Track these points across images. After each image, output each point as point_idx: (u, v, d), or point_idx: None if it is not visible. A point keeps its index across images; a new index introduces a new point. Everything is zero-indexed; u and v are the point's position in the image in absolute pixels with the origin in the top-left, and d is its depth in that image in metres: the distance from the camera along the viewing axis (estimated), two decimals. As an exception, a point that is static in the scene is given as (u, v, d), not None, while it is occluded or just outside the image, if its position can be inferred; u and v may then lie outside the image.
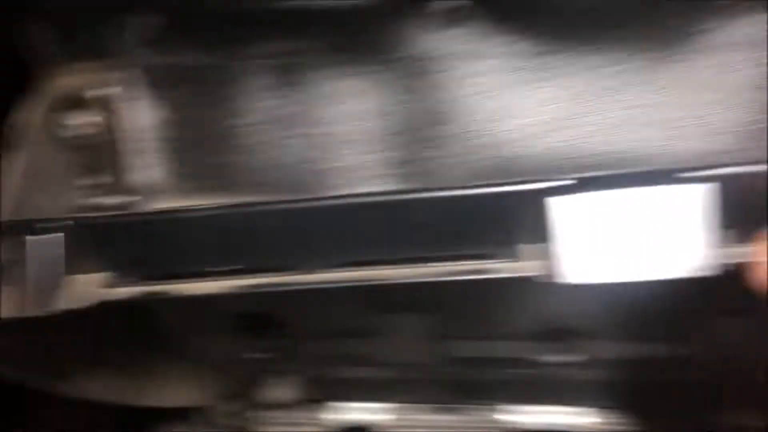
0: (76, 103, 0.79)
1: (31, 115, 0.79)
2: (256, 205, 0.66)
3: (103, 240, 0.66)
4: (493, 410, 1.29)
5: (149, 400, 1.12)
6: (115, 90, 0.79)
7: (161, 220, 0.66)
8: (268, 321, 1.15)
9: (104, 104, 0.79)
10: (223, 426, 1.40)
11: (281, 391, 1.31)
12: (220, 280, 0.67)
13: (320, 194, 0.79)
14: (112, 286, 0.68)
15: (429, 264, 0.66)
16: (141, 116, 0.79)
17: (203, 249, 0.66)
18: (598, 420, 1.27)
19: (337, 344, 1.18)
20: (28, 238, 0.64)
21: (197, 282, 0.67)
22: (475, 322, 1.11)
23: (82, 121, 0.78)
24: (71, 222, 0.66)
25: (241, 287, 0.66)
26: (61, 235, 0.66)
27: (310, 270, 0.67)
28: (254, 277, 0.67)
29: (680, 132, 0.65)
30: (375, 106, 0.79)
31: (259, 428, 1.34)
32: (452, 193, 0.64)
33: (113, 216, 0.66)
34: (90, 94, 0.79)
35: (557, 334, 1.15)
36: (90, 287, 0.66)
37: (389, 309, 1.12)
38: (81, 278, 0.66)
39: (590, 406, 1.28)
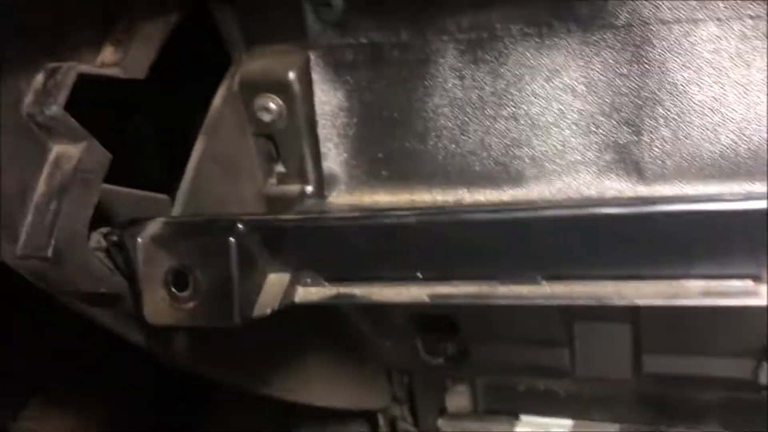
0: (259, 88, 0.78)
1: (219, 101, 0.79)
2: (457, 212, 0.59)
3: (290, 240, 0.62)
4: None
5: (328, 401, 1.11)
6: (296, 75, 0.77)
7: (352, 224, 0.60)
8: (451, 325, 1.08)
9: (286, 89, 0.77)
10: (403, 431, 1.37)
11: (462, 399, 1.24)
12: (410, 286, 0.60)
13: (515, 186, 0.73)
14: (302, 286, 0.63)
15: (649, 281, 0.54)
16: (324, 101, 0.77)
17: (394, 254, 0.60)
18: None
19: (521, 352, 1.09)
20: (231, 240, 0.59)
21: (387, 287, 0.61)
22: (682, 334, 0.98)
23: (265, 107, 0.77)
24: (265, 221, 0.62)
25: (432, 296, 0.59)
26: (258, 235, 0.61)
27: (508, 281, 0.57)
28: (446, 285, 0.59)
29: None
30: (575, 84, 0.70)
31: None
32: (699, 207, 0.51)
33: (306, 219, 0.62)
34: (272, 79, 0.78)
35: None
36: (280, 289, 0.62)
37: (584, 317, 1.01)
38: (272, 278, 0.62)
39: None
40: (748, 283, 0.52)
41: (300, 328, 1.05)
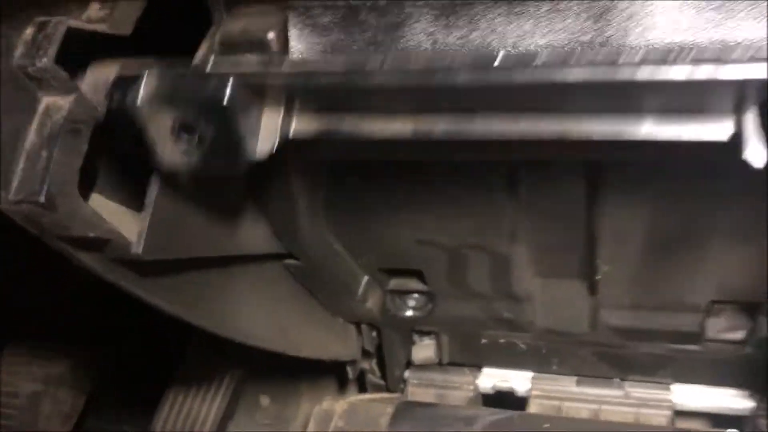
0: (238, 48, 0.80)
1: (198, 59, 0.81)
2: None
3: (283, 91, 0.68)
4: (647, 386, 1.22)
5: (299, 350, 1.15)
6: (275, 35, 0.79)
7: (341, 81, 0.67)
8: (417, 278, 1.13)
9: (264, 49, 0.79)
10: (371, 384, 1.42)
11: (427, 352, 1.30)
12: (396, 120, 0.66)
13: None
14: (295, 117, 0.69)
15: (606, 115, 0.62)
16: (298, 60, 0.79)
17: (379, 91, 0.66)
18: (764, 404, 1.16)
19: (485, 307, 1.15)
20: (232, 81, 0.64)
21: (373, 120, 0.67)
22: (636, 291, 1.04)
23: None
24: (256, 75, 0.68)
25: (417, 131, 0.66)
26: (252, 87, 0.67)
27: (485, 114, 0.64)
28: (429, 120, 0.65)
29: None
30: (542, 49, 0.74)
31: (405, 387, 1.34)
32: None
33: (298, 74, 0.68)
34: (251, 39, 0.79)
35: (726, 307, 1.06)
36: (274, 127, 0.68)
37: (543, 272, 1.07)
38: (264, 118, 0.68)
39: (755, 389, 1.18)
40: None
41: (275, 280, 1.09)
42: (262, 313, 1.05)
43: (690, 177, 0.82)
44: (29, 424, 1.39)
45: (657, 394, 1.20)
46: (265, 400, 1.68)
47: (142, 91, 0.65)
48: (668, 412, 1.18)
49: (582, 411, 1.22)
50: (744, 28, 0.61)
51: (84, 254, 0.70)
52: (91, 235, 0.67)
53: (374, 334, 1.34)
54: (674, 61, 0.58)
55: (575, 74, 0.60)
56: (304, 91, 0.67)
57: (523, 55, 0.64)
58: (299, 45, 0.79)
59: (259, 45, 0.78)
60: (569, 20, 0.71)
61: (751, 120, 0.58)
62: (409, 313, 1.20)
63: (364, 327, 1.32)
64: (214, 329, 0.92)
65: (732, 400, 1.19)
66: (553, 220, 0.94)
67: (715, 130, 0.60)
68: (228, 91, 0.64)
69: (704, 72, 0.56)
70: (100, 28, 0.69)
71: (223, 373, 1.46)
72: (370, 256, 1.11)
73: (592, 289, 1.06)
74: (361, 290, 1.17)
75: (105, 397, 1.61)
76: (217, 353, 1.50)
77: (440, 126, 0.65)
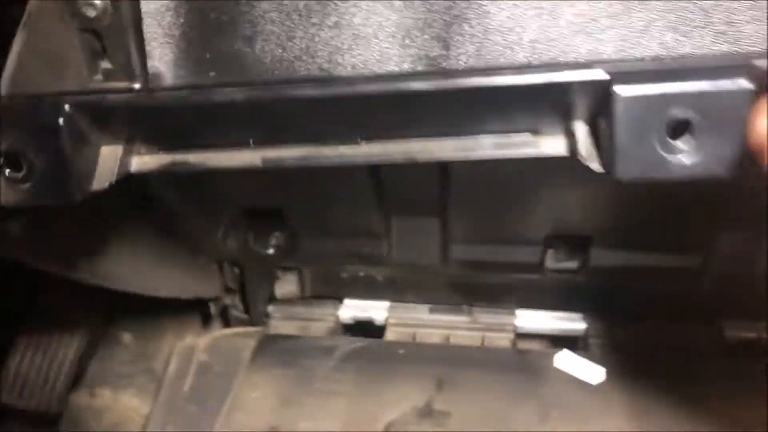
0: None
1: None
2: (283, 88, 0.64)
3: (120, 117, 0.63)
4: (493, 312, 1.32)
5: (157, 290, 1.15)
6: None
7: (181, 102, 0.63)
8: (280, 218, 1.15)
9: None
10: (235, 319, 1.44)
11: (290, 286, 1.33)
12: (243, 151, 0.65)
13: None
14: (137, 155, 0.65)
15: (450, 138, 0.64)
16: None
17: (226, 126, 0.64)
18: (594, 326, 1.29)
19: (344, 243, 1.19)
20: (59, 121, 0.60)
21: (220, 153, 0.65)
22: (483, 225, 1.12)
23: (89, 2, 0.76)
24: (92, 102, 0.63)
25: (265, 160, 0.65)
26: (87, 114, 0.63)
27: (333, 143, 0.65)
28: (277, 149, 0.65)
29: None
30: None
31: (268, 321, 1.37)
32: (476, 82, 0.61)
33: (135, 97, 0.63)
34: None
35: (562, 240, 1.16)
36: (115, 160, 0.64)
37: (398, 210, 1.12)
38: (105, 151, 0.64)
39: (586, 312, 1.30)
40: (529, 137, 0.64)
41: (129, 218, 1.07)
42: (114, 254, 1.03)
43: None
44: None
45: (501, 319, 1.30)
46: (126, 337, 1.67)
47: None
48: (511, 335, 1.29)
49: (434, 336, 1.30)
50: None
51: None
52: None
53: (236, 270, 1.35)
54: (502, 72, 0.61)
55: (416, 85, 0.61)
56: (144, 119, 0.63)
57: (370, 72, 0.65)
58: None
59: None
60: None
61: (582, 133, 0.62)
62: (271, 251, 1.22)
63: (225, 264, 1.33)
64: (63, 272, 0.90)
65: (567, 323, 1.31)
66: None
67: (553, 146, 0.64)
68: (62, 116, 0.60)
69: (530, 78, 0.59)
70: None
71: (79, 312, 1.43)
72: (228, 197, 1.11)
73: (443, 225, 1.12)
74: (221, 230, 1.18)
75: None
76: (73, 289, 1.46)
77: (290, 155, 0.64)
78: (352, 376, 1.17)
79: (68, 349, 1.40)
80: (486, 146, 0.63)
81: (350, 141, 0.63)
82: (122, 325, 1.66)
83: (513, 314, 1.31)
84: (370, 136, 0.63)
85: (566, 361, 1.19)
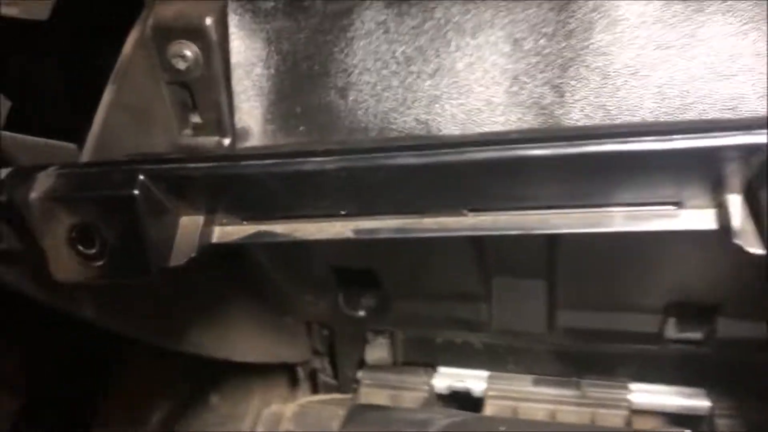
0: (173, 34, 0.74)
1: (130, 47, 0.74)
2: (377, 157, 0.55)
3: (200, 187, 0.58)
4: (604, 386, 1.20)
5: (245, 356, 1.10)
6: (213, 21, 0.73)
7: (265, 170, 0.56)
8: (372, 279, 1.09)
9: (202, 36, 0.73)
10: (323, 384, 1.37)
11: (381, 351, 1.26)
12: (333, 222, 0.58)
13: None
14: (218, 226, 0.60)
15: (572, 210, 0.54)
16: (239, 50, 0.73)
17: (314, 196, 0.57)
18: (721, 404, 1.15)
19: (440, 306, 1.11)
20: (135, 193, 0.54)
21: (309, 224, 0.58)
22: (595, 291, 1.01)
23: (180, 54, 0.73)
24: (170, 171, 0.57)
25: (357, 231, 0.57)
26: (164, 183, 0.57)
27: (434, 214, 0.56)
28: (370, 220, 0.57)
29: None
30: (501, 42, 0.70)
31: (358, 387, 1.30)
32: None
33: (216, 166, 0.56)
34: (187, 25, 0.74)
35: (685, 308, 1.04)
36: (195, 232, 0.58)
37: (501, 272, 1.03)
38: (185, 221, 0.58)
39: (712, 388, 1.16)
40: (670, 209, 0.53)
41: (216, 282, 1.03)
42: (201, 319, 0.99)
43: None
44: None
45: (614, 394, 1.18)
46: (215, 399, 1.63)
47: (38, 184, 0.56)
48: (625, 412, 1.16)
49: (538, 412, 1.19)
50: (712, 24, 0.57)
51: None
52: (4, 246, 0.60)
53: (325, 332, 1.29)
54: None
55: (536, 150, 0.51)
56: (227, 186, 0.58)
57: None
58: (240, 32, 0.73)
59: (195, 32, 0.73)
60: (531, 10, 0.67)
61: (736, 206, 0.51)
62: (362, 313, 1.15)
63: (315, 326, 1.28)
64: (147, 338, 0.86)
65: (689, 399, 1.17)
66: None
67: (698, 221, 0.54)
68: (136, 187, 0.54)
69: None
70: (13, 12, 0.62)
71: (164, 377, 1.40)
72: (319, 256, 1.05)
73: (550, 289, 1.03)
74: (311, 290, 1.13)
75: (42, 400, 1.53)
76: (156, 356, 1.44)
77: (385, 226, 0.57)
78: (448, 454, 1.07)
79: (154, 414, 1.37)
80: (617, 220, 0.54)
81: (454, 212, 0.55)
82: (210, 386, 1.62)
83: (627, 388, 1.18)
84: (478, 207, 0.55)
85: (691, 444, 1.05)
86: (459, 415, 1.15)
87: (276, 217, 0.59)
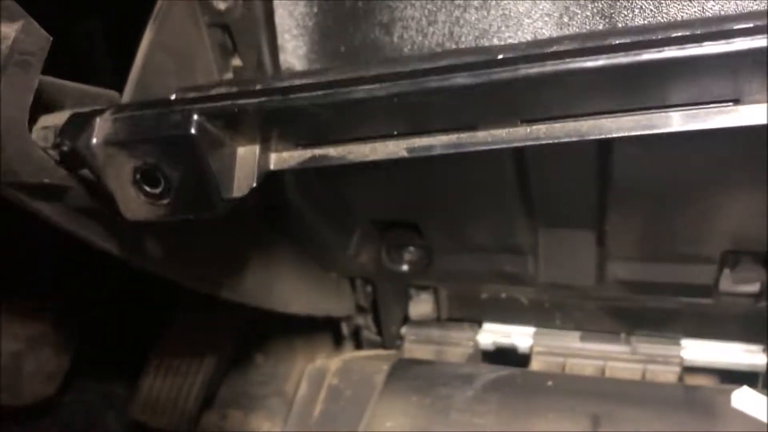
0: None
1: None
2: (427, 80, 0.52)
3: (254, 119, 0.57)
4: (655, 342, 1.16)
5: (288, 307, 1.09)
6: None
7: (317, 101, 0.55)
8: (415, 231, 1.07)
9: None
10: (367, 341, 1.37)
11: (425, 307, 1.24)
12: (386, 142, 0.57)
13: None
14: (274, 152, 0.60)
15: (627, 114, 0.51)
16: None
17: (366, 121, 0.56)
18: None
19: (485, 260, 1.09)
20: (192, 133, 0.54)
21: (363, 145, 0.57)
22: (646, 241, 0.98)
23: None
24: (224, 108, 0.56)
25: (410, 149, 0.56)
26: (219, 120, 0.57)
27: (486, 128, 0.54)
28: (423, 137, 0.55)
29: None
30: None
31: (402, 343, 1.29)
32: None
33: (269, 101, 0.56)
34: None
35: (741, 259, 1.00)
36: (253, 162, 0.58)
37: (548, 223, 1.00)
38: (242, 152, 0.59)
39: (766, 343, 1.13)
40: (728, 105, 0.50)
41: (263, 235, 1.03)
42: (247, 268, 0.98)
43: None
44: (12, 383, 1.34)
45: (665, 350, 1.15)
46: (259, 358, 1.65)
47: (97, 129, 0.56)
48: (677, 369, 1.13)
49: (587, 368, 1.17)
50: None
51: (41, 203, 0.63)
52: (46, 181, 0.60)
53: (369, 289, 1.29)
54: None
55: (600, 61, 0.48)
56: (280, 118, 0.57)
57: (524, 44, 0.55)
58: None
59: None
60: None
61: None
62: (405, 267, 1.14)
63: (358, 282, 1.27)
64: (194, 284, 0.86)
65: (744, 355, 1.14)
66: (560, 164, 0.87)
67: (757, 114, 0.50)
68: (193, 126, 0.55)
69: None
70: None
71: (213, 331, 1.41)
72: (363, 208, 1.04)
73: (600, 239, 0.99)
74: (354, 244, 1.11)
75: (91, 357, 1.56)
76: (206, 310, 1.45)
77: (438, 143, 0.55)
78: (494, 408, 1.06)
79: (200, 369, 1.39)
80: (674, 120, 0.51)
81: (507, 124, 0.53)
82: (254, 346, 1.64)
83: (679, 344, 1.15)
84: (530, 119, 0.53)
85: (747, 399, 1.02)
86: (505, 370, 1.14)
87: (330, 141, 0.58)
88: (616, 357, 1.16)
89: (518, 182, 0.90)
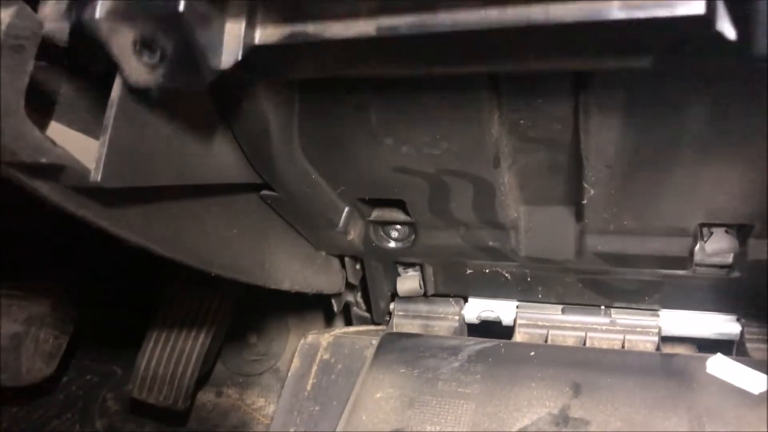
0: None
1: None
2: None
3: None
4: (634, 313, 1.21)
5: (280, 283, 1.13)
6: None
7: None
8: (400, 209, 1.10)
9: None
10: (357, 317, 1.41)
11: (412, 283, 1.28)
12: (359, 20, 0.63)
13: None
14: (259, 27, 0.66)
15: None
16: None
17: None
18: (752, 329, 1.16)
19: (471, 236, 1.12)
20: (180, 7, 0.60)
21: (337, 23, 0.64)
22: (624, 215, 1.01)
23: None
24: None
25: (380, 28, 0.62)
26: None
27: (449, 6, 0.60)
28: (392, 17, 0.62)
29: None
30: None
31: (391, 319, 1.32)
32: None
33: None
34: None
35: (716, 231, 1.04)
36: (238, 36, 0.65)
37: (528, 200, 1.03)
38: (229, 27, 0.65)
39: (742, 313, 1.17)
40: None
41: (253, 211, 1.06)
42: (239, 245, 1.02)
43: (676, 93, 0.78)
44: (12, 365, 1.38)
45: (644, 320, 1.19)
46: (253, 337, 1.69)
47: (100, 6, 0.62)
48: (655, 338, 1.17)
49: (568, 339, 1.21)
50: None
51: (38, 182, 0.66)
52: (43, 160, 0.63)
53: (358, 266, 1.32)
54: None
55: None
56: None
57: None
58: None
59: None
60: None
61: None
62: (392, 244, 1.17)
63: (347, 259, 1.30)
64: (188, 260, 0.89)
65: (719, 324, 1.18)
66: (537, 142, 0.90)
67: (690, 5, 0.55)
68: (181, 3, 0.60)
69: None
70: None
71: (207, 309, 1.45)
72: (349, 186, 1.07)
73: (578, 214, 1.03)
74: (341, 222, 1.14)
75: (90, 337, 1.60)
76: (200, 289, 1.49)
77: (403, 21, 0.61)
78: (479, 377, 1.10)
79: (196, 347, 1.42)
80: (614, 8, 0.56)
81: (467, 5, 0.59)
82: (248, 325, 1.68)
83: (657, 315, 1.19)
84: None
85: (722, 366, 1.06)
86: (489, 342, 1.18)
87: (308, 16, 0.64)
88: (596, 328, 1.20)
89: (497, 160, 0.93)
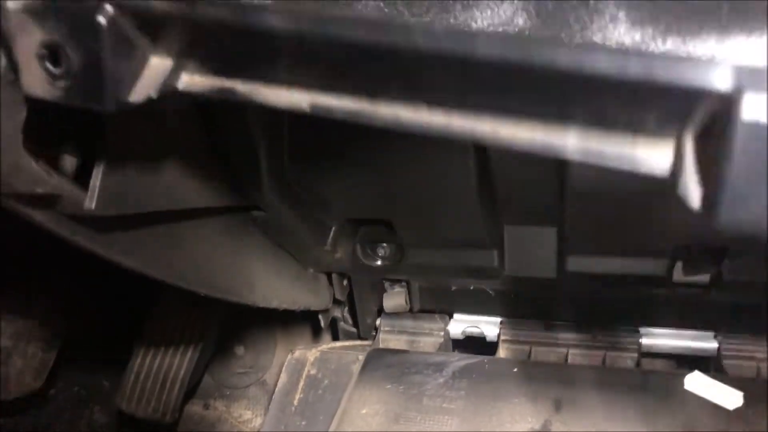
0: None
1: None
2: (347, 25, 0.49)
3: (171, 27, 0.56)
4: (614, 330, 1.23)
5: (269, 302, 1.15)
6: None
7: (237, 19, 0.52)
8: (387, 228, 1.12)
9: None
10: (343, 332, 1.42)
11: (398, 299, 1.30)
12: (293, 91, 0.54)
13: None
14: (187, 73, 0.58)
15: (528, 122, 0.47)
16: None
17: (269, 55, 0.54)
18: (728, 345, 1.19)
19: (453, 255, 1.14)
20: (100, 20, 0.52)
21: (270, 88, 0.55)
22: (604, 236, 1.04)
23: None
24: (140, 6, 0.55)
25: (313, 105, 0.53)
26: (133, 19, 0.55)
27: (391, 102, 0.51)
28: (328, 96, 0.53)
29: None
30: None
31: (377, 334, 1.34)
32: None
33: (188, 7, 0.53)
34: None
35: (692, 252, 1.07)
36: (162, 75, 0.57)
37: (511, 220, 1.06)
38: (154, 63, 0.57)
39: (719, 330, 1.20)
40: (627, 138, 0.46)
41: (241, 232, 1.08)
42: (229, 266, 1.03)
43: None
44: (2, 380, 1.39)
45: (624, 338, 1.22)
46: (240, 350, 1.70)
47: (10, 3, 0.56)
48: (635, 355, 1.20)
49: (551, 355, 1.23)
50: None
51: (33, 210, 0.68)
52: (39, 191, 0.64)
53: (345, 283, 1.34)
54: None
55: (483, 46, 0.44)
56: (193, 36, 0.55)
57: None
58: None
59: None
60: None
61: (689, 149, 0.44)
62: (379, 262, 1.19)
63: (335, 276, 1.32)
64: (178, 282, 0.90)
65: (697, 342, 1.21)
66: (522, 168, 0.93)
67: (654, 161, 0.46)
68: (102, 15, 0.53)
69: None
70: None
71: (195, 323, 1.46)
72: (337, 206, 1.09)
73: (560, 234, 1.06)
74: (330, 240, 1.16)
75: (77, 351, 1.60)
76: (188, 303, 1.50)
77: (340, 105, 0.52)
78: (463, 393, 1.12)
79: (184, 360, 1.43)
80: (570, 146, 0.48)
81: (412, 104, 0.50)
82: (236, 337, 1.69)
83: (637, 332, 1.22)
84: (437, 103, 0.49)
85: (699, 383, 1.09)
86: (474, 358, 1.20)
87: (240, 75, 0.56)
88: (577, 345, 1.22)
89: (480, 184, 0.95)
